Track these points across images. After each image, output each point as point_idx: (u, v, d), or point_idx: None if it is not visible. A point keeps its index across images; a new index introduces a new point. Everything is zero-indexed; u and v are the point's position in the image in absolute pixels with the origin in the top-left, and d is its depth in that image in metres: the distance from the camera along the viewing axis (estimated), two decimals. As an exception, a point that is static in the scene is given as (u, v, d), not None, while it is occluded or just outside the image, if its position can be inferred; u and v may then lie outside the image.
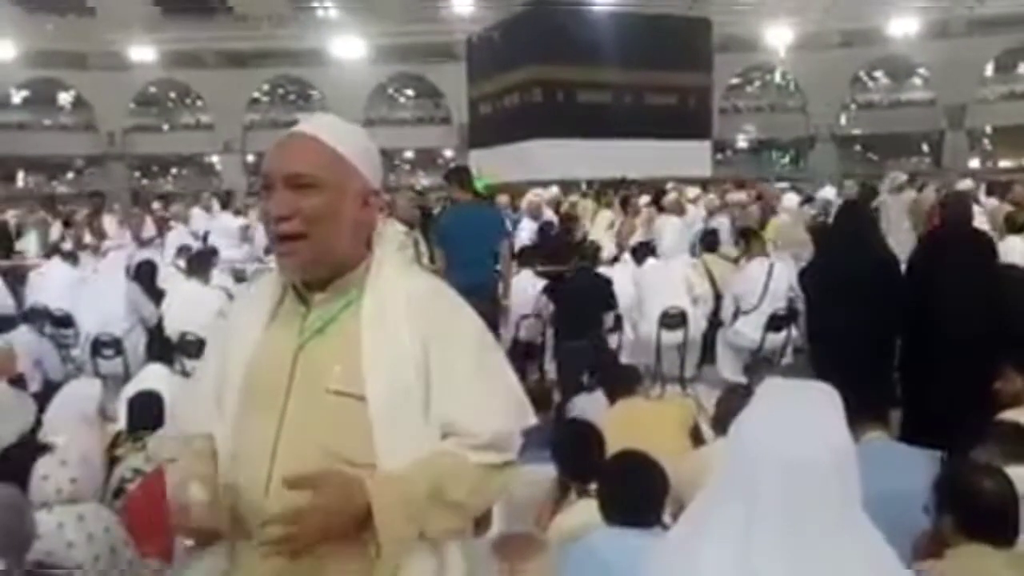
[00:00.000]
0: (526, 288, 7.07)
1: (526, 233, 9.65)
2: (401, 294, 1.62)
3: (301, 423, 1.55)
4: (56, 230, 11.45)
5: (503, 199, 11.69)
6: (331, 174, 1.59)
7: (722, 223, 9.37)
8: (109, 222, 11.31)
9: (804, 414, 1.39)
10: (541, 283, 7.15)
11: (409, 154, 33.17)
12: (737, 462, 1.41)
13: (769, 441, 1.37)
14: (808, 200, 12.40)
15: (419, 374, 1.57)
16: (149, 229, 10.77)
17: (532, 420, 1.70)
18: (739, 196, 10.99)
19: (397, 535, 1.49)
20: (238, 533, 1.58)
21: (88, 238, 10.46)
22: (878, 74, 31.51)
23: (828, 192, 13.13)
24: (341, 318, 1.61)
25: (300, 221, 1.56)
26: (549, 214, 10.71)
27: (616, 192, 12.32)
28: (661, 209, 10.25)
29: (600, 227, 10.32)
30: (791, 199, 11.89)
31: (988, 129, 30.23)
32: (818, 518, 1.33)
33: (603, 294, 6.67)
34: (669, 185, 12.49)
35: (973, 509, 2.40)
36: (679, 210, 10.21)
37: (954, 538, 2.41)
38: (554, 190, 13.16)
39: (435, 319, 1.62)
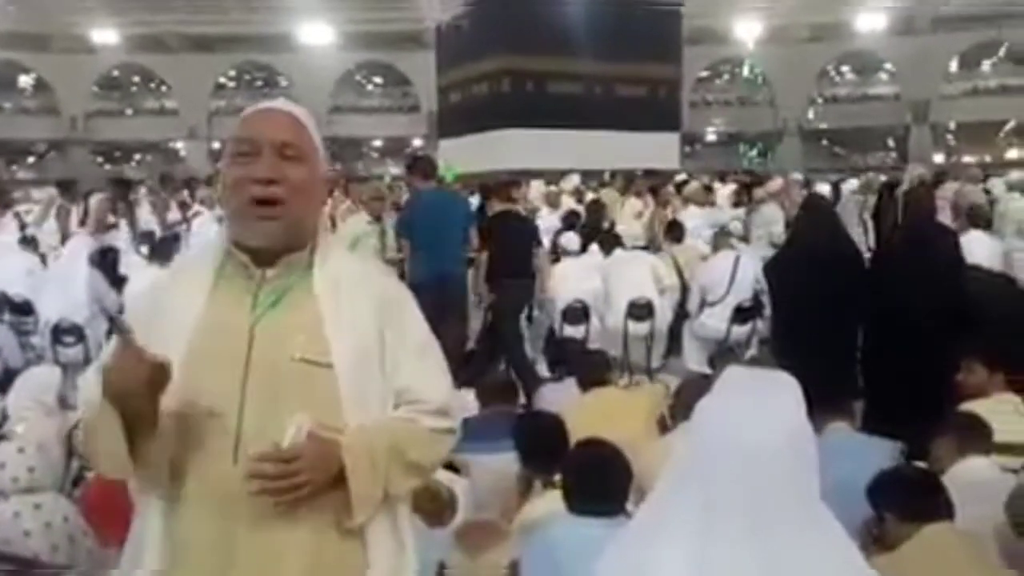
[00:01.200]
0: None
1: (544, 223, 9.12)
2: (353, 271, 1.72)
3: (266, 393, 1.57)
4: (75, 216, 10.86)
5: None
6: (311, 151, 1.68)
7: (774, 212, 9.26)
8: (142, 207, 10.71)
9: (763, 401, 1.39)
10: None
11: (377, 143, 33.00)
12: (696, 449, 1.41)
13: (727, 428, 1.37)
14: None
15: (377, 340, 1.66)
16: (174, 214, 10.38)
17: (467, 408, 1.82)
18: (777, 183, 10.93)
19: (367, 492, 1.58)
20: (200, 502, 1.57)
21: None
22: (845, 69, 31.86)
23: (854, 184, 13.39)
24: (293, 292, 1.65)
25: (285, 188, 1.62)
26: (571, 204, 10.66)
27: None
28: (685, 200, 10.46)
29: (627, 216, 10.24)
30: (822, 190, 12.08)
31: (952, 124, 30.70)
32: (777, 507, 1.34)
33: (531, 230, 6.82)
34: (680, 177, 12.53)
35: (905, 495, 2.61)
36: (701, 199, 10.38)
37: (904, 530, 2.49)
38: (576, 179, 13.06)
39: (387, 295, 1.72)
